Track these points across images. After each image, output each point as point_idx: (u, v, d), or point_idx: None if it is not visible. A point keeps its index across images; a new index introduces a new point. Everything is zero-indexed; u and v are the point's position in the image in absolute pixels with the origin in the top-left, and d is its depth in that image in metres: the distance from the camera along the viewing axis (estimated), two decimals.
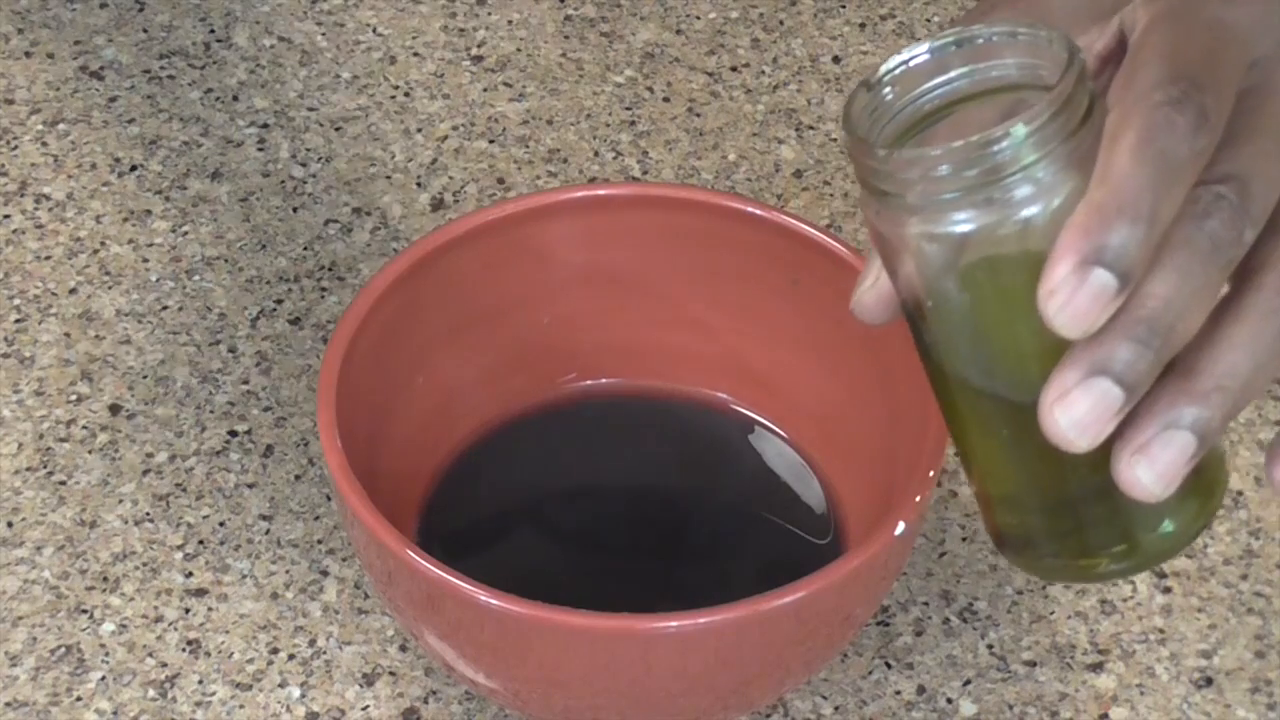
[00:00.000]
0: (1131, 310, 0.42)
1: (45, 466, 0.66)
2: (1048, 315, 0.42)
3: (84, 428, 0.67)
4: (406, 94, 0.79)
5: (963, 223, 0.43)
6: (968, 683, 0.61)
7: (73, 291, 0.71)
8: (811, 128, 0.78)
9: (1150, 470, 0.44)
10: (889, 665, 0.61)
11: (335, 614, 0.62)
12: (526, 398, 0.64)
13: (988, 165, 0.42)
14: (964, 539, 0.65)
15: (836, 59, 0.81)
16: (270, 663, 0.61)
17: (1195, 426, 0.44)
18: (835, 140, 0.78)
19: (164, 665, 0.60)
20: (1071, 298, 0.42)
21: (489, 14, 0.83)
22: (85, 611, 0.62)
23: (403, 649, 0.61)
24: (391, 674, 0.60)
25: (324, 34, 0.82)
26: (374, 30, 0.82)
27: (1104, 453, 0.44)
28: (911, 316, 0.47)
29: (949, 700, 0.60)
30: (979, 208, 0.43)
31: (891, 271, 0.46)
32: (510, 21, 0.83)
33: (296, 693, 0.60)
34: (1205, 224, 0.43)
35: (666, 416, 0.64)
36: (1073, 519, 0.47)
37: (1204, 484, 0.46)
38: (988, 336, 0.46)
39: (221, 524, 0.64)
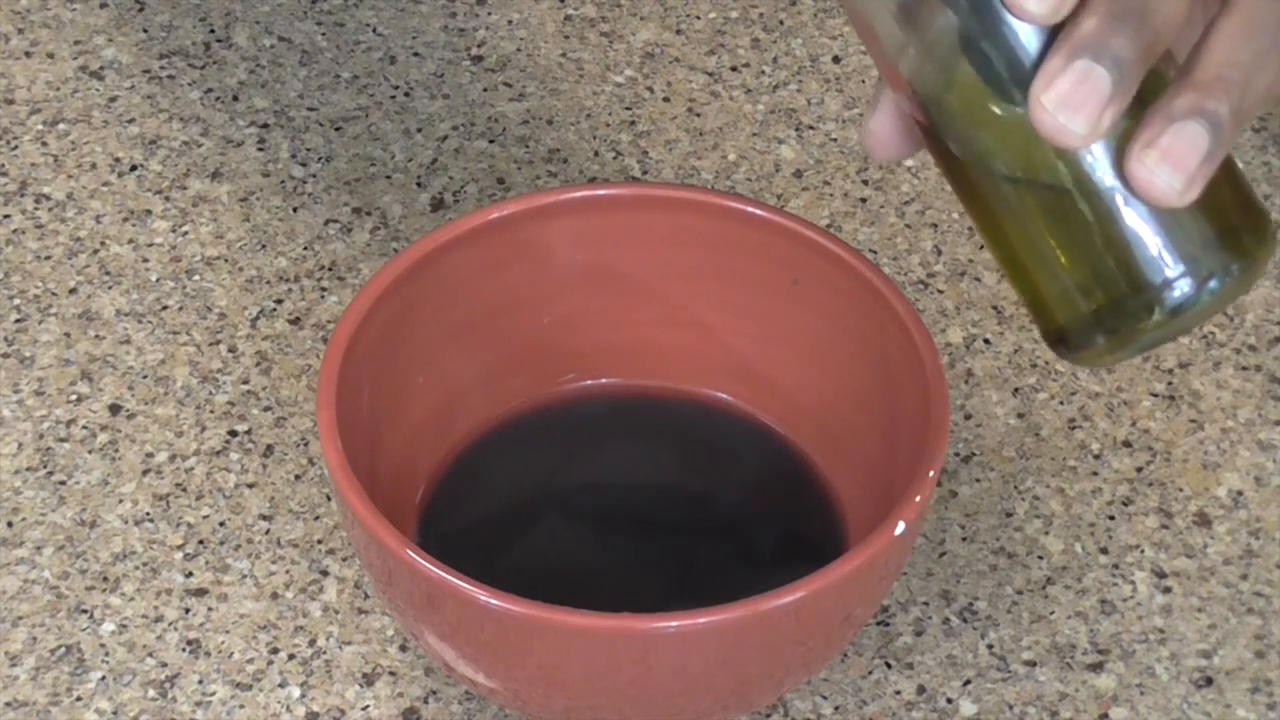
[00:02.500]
0: None
1: (45, 466, 0.66)
2: (1014, 5, 0.42)
3: (84, 428, 0.67)
4: (406, 94, 0.79)
5: None
6: (968, 683, 0.61)
7: (73, 291, 0.71)
8: (811, 128, 0.78)
9: (1164, 164, 0.43)
10: (889, 665, 0.61)
11: (335, 614, 0.62)
12: (526, 398, 0.64)
13: None
14: (964, 539, 0.65)
15: (836, 59, 0.81)
16: (270, 663, 0.61)
17: (1203, 116, 0.43)
18: (835, 140, 0.78)
19: (164, 665, 0.60)
20: None
21: (489, 14, 0.83)
22: (85, 611, 0.62)
23: (403, 649, 0.61)
24: (391, 674, 0.60)
25: (324, 34, 0.82)
26: (374, 30, 0.82)
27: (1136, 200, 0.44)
28: (925, 112, 0.47)
29: (949, 700, 0.60)
30: None
31: (893, 75, 0.46)
32: (510, 21, 0.83)
33: (296, 693, 0.60)
34: None
35: (666, 416, 0.64)
36: (1119, 283, 0.46)
37: (1247, 225, 0.45)
38: (987, 96, 0.45)
39: (221, 524, 0.64)
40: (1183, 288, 0.45)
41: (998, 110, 0.45)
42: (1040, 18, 0.42)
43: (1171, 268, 0.45)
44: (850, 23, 0.48)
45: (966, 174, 0.47)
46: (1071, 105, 0.42)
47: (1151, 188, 0.43)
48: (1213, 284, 0.46)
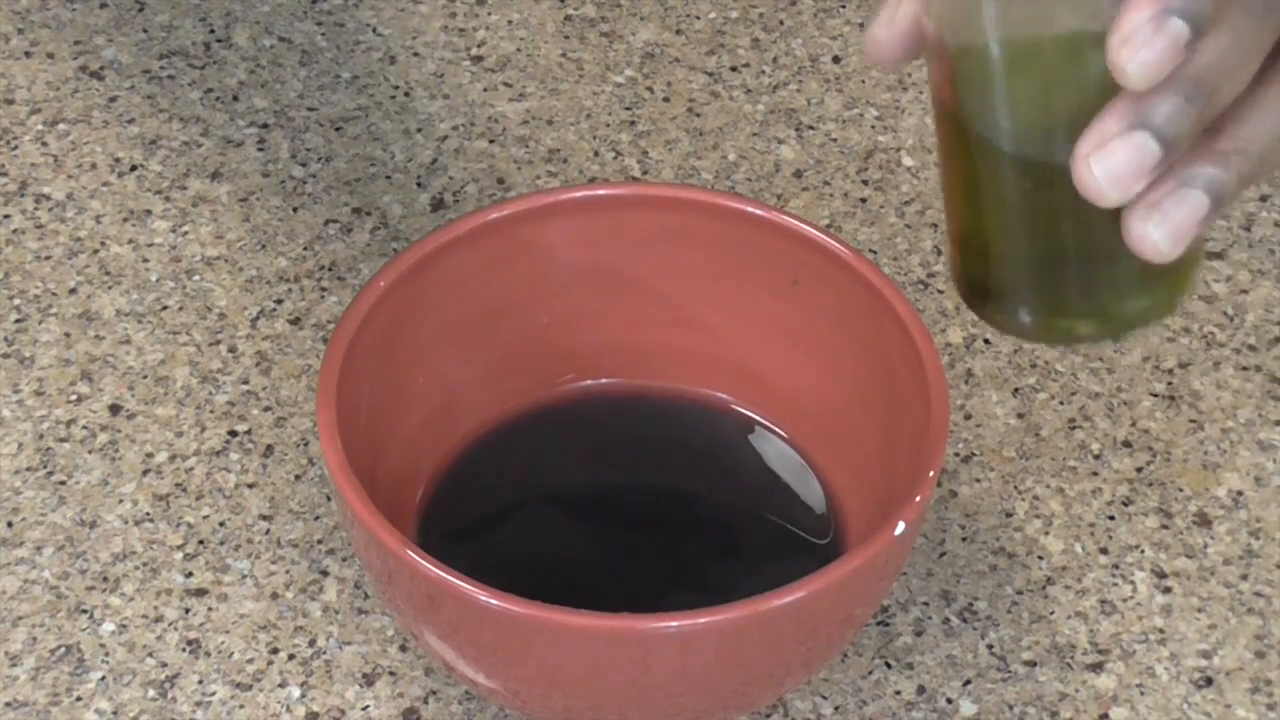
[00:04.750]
0: (1183, 67, 0.42)
1: (45, 466, 0.66)
2: (1118, 64, 0.42)
3: (84, 428, 0.67)
4: (406, 94, 0.79)
5: None
6: (968, 683, 0.61)
7: (73, 291, 0.71)
8: (811, 128, 0.78)
9: (1161, 227, 0.43)
10: (889, 665, 0.61)
11: (335, 614, 0.62)
12: (526, 398, 0.64)
13: None
14: (964, 539, 0.65)
15: (836, 59, 0.81)
16: (270, 663, 0.61)
17: (1210, 186, 0.43)
18: (835, 140, 0.78)
19: (164, 665, 0.60)
20: (1146, 46, 0.41)
21: (489, 14, 0.83)
22: (85, 611, 0.62)
23: (403, 649, 0.61)
24: (391, 674, 0.60)
25: (324, 34, 0.82)
26: (374, 30, 0.82)
27: (1108, 212, 0.44)
28: (936, 56, 0.46)
29: (949, 700, 0.60)
30: None
31: (933, 26, 0.46)
32: (510, 21, 0.83)
33: (296, 693, 0.60)
34: None
35: (666, 416, 0.64)
36: (1059, 278, 0.46)
37: (1184, 263, 0.46)
38: (1021, 84, 0.45)
39: (221, 524, 0.64)
40: (1096, 318, 0.46)
41: (1020, 126, 0.45)
42: (1143, 84, 0.42)
43: (1095, 301, 0.46)
44: None
45: (958, 134, 0.47)
46: (1115, 175, 0.42)
47: (1144, 243, 0.44)
48: (1121, 321, 0.46)
